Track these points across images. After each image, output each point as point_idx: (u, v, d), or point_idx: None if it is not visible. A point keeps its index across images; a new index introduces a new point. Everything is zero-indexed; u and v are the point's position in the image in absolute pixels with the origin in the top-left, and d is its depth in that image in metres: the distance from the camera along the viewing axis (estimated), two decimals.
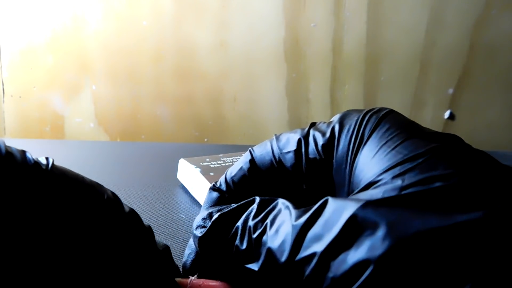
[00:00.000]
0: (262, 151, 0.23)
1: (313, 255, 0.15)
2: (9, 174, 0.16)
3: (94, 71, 0.69)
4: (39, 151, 0.53)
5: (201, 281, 0.21)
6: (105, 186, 0.19)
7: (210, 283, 0.21)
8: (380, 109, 0.20)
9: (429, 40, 0.64)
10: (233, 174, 0.23)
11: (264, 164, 0.22)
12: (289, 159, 0.22)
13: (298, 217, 0.17)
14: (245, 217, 0.19)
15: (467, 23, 0.63)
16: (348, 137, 0.20)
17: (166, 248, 0.21)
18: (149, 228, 0.20)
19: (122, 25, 0.68)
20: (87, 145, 0.62)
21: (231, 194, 0.22)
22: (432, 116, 0.67)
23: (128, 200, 0.41)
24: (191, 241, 0.22)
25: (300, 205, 0.18)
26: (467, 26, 0.63)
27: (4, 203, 0.15)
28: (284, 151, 0.22)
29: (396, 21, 0.65)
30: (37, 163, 0.17)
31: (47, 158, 0.17)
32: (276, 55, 0.67)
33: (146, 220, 0.37)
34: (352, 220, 0.15)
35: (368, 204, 0.15)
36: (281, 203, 0.18)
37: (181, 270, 0.23)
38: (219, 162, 0.43)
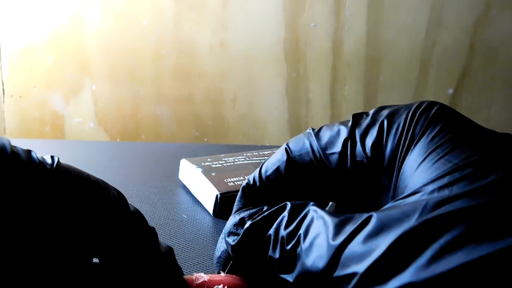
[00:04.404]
0: (301, 150, 0.21)
1: (353, 274, 0.15)
2: (15, 173, 0.16)
3: (94, 71, 0.69)
4: (39, 151, 0.53)
5: (207, 276, 0.21)
6: None
7: (216, 278, 0.21)
8: (431, 105, 0.19)
9: (429, 40, 0.65)
10: (268, 173, 0.22)
11: (303, 163, 0.21)
12: (333, 160, 0.20)
13: (335, 233, 0.16)
14: (277, 225, 0.19)
15: (467, 23, 0.63)
16: (397, 138, 0.19)
17: (169, 249, 0.21)
18: (153, 229, 0.20)
19: (122, 25, 0.68)
20: (87, 145, 0.61)
21: (265, 192, 0.22)
22: None
23: (130, 200, 0.40)
24: (222, 238, 0.22)
25: (339, 207, 0.17)
26: (467, 26, 0.64)
27: (11, 203, 0.16)
28: (328, 151, 0.21)
29: (396, 21, 0.65)
30: (42, 163, 0.17)
31: (52, 157, 0.17)
32: (276, 55, 0.67)
33: (148, 221, 0.37)
34: (397, 242, 0.15)
35: (414, 228, 0.15)
36: (313, 210, 0.18)
37: (216, 263, 0.23)
38: (220, 162, 0.43)
